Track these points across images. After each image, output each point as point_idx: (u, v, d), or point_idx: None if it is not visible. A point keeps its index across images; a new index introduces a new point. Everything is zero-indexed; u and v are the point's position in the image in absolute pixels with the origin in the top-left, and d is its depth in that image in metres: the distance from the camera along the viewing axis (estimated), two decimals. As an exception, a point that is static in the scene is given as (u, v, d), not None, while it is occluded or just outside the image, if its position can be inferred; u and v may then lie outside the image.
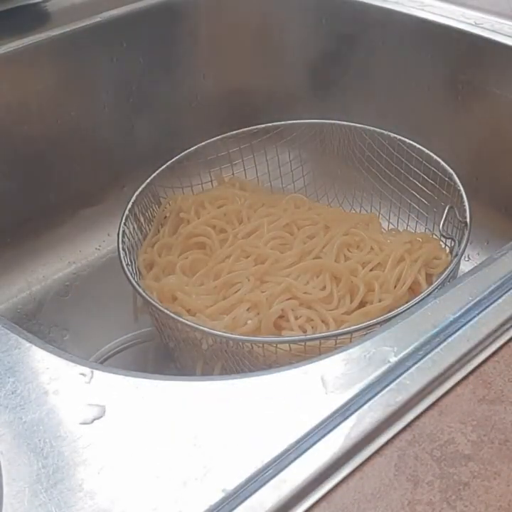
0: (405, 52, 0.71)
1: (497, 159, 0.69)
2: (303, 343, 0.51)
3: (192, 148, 0.68)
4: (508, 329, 0.38)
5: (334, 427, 0.33)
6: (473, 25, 0.66)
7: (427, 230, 0.66)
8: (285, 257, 0.60)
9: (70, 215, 0.74)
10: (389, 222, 0.70)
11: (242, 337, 0.53)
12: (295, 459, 0.32)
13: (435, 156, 0.63)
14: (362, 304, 0.57)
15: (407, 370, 0.35)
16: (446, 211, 0.60)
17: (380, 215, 0.69)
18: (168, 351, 0.61)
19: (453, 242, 0.59)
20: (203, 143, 0.68)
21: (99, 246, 0.76)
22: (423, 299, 0.50)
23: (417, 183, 0.65)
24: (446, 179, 0.62)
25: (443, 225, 0.60)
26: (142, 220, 0.65)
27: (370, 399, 0.34)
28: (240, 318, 0.55)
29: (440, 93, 0.71)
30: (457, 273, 0.58)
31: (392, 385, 0.35)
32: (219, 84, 0.80)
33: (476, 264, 0.45)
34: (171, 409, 0.34)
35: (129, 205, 0.63)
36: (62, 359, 0.37)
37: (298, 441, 0.32)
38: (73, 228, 0.75)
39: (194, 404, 0.34)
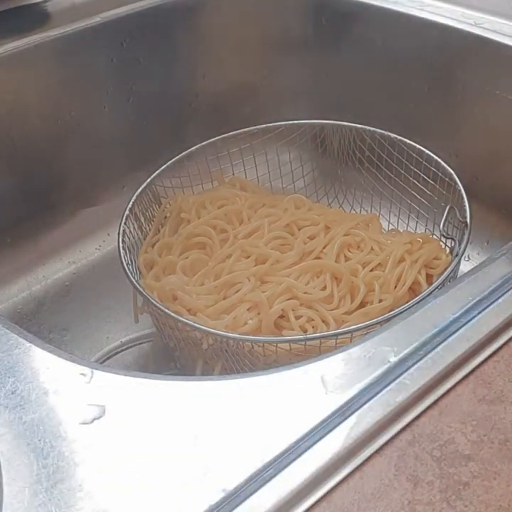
0: (405, 52, 0.71)
1: (497, 159, 0.69)
2: (303, 343, 0.51)
3: (192, 148, 0.68)
4: (508, 329, 0.38)
5: (334, 427, 0.33)
6: (473, 25, 0.66)
7: (427, 230, 0.66)
8: (286, 257, 0.60)
9: (70, 215, 0.74)
10: (389, 222, 0.70)
11: (242, 336, 0.53)
12: (295, 459, 0.32)
13: (435, 156, 0.63)
14: (362, 304, 0.57)
15: (407, 370, 0.35)
16: (446, 211, 0.60)
17: (380, 216, 0.69)
18: (168, 351, 0.61)
19: (453, 242, 0.59)
20: (203, 143, 0.69)
21: (99, 246, 0.76)
22: (423, 299, 0.50)
23: (417, 183, 0.65)
24: (446, 179, 0.62)
25: (443, 225, 0.60)
26: (142, 219, 0.65)
27: (370, 399, 0.34)
28: (240, 318, 0.55)
29: (440, 93, 0.71)
30: (457, 273, 0.58)
31: (392, 385, 0.35)
32: (219, 84, 0.80)
33: (476, 264, 0.45)
34: (171, 409, 0.34)
35: (130, 205, 0.63)
36: (62, 359, 0.37)
37: (298, 441, 0.32)
38: (73, 228, 0.75)
39: (194, 404, 0.34)
